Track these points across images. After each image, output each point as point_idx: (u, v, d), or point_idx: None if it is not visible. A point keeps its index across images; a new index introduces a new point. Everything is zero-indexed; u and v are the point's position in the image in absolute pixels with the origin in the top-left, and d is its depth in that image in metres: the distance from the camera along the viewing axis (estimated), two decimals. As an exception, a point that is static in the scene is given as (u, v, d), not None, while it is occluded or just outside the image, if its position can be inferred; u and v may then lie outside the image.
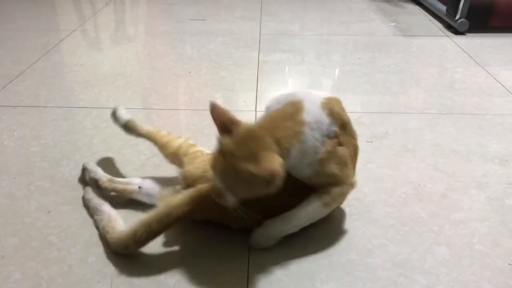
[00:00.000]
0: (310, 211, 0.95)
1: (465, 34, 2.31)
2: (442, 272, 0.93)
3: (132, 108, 1.57)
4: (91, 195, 1.09)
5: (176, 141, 1.12)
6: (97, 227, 1.02)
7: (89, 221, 1.05)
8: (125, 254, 0.94)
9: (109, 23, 2.54)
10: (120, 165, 1.25)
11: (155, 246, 0.96)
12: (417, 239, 1.01)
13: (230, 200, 0.87)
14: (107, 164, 1.25)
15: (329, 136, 0.91)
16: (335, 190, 0.95)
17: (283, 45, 2.17)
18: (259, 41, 2.19)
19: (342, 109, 0.98)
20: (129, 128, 1.20)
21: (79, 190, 1.15)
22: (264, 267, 0.94)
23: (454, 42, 2.21)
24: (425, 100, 1.65)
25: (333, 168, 0.93)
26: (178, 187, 1.01)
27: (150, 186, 1.10)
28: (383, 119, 1.51)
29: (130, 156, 1.29)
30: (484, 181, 1.21)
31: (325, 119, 0.91)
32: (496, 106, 1.60)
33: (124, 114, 1.22)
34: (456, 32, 2.32)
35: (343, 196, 0.98)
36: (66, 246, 0.98)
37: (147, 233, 0.91)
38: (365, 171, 1.23)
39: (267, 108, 0.97)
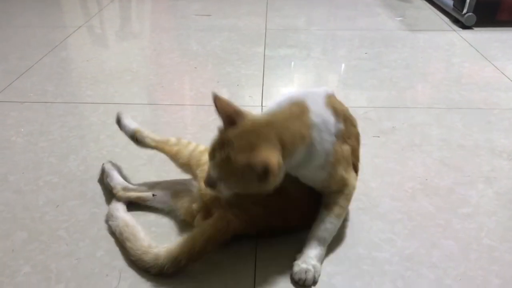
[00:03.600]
0: (328, 228, 0.94)
1: (472, 29, 2.30)
2: (449, 266, 0.93)
3: (138, 104, 1.58)
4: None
5: (186, 150, 1.06)
6: (113, 233, 1.00)
7: (97, 215, 1.06)
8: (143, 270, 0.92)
9: (115, 19, 2.54)
10: (127, 160, 1.26)
11: (163, 240, 0.96)
12: (425, 233, 1.01)
13: (224, 192, 0.86)
14: (114, 159, 1.25)
15: (337, 135, 0.90)
16: (342, 199, 0.95)
17: (289, 40, 2.16)
18: (264, 36, 2.18)
19: (340, 102, 0.97)
20: (136, 139, 1.13)
21: (86, 185, 1.16)
22: (271, 261, 0.94)
23: (461, 37, 2.19)
24: (432, 95, 1.65)
25: (342, 171, 0.93)
26: (195, 205, 0.98)
27: (163, 192, 1.08)
28: (390, 114, 1.51)
29: (137, 151, 1.29)
30: (492, 175, 1.20)
31: (331, 118, 0.89)
32: (504, 101, 1.59)
33: (131, 123, 1.16)
34: (463, 26, 2.31)
35: (349, 201, 0.97)
36: (74, 240, 0.99)
37: (175, 267, 0.88)
38: (372, 166, 1.23)
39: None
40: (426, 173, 1.21)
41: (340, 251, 0.97)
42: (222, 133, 0.83)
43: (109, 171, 1.14)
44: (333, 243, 0.98)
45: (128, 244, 0.94)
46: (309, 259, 0.90)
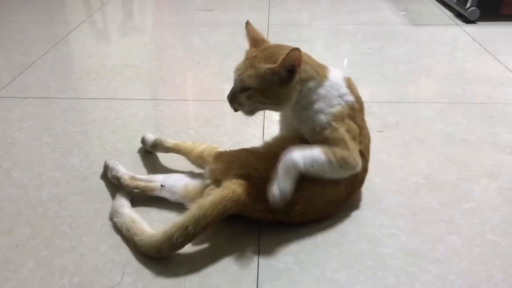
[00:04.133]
0: (315, 155, 0.93)
1: (475, 23, 2.29)
2: (453, 261, 0.93)
3: (141, 99, 1.58)
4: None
5: (200, 146, 1.14)
6: (119, 229, 0.99)
7: (101, 211, 1.06)
8: (156, 257, 0.92)
9: (117, 14, 2.54)
10: (131, 155, 1.26)
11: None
12: (428, 228, 1.01)
13: (244, 103, 0.96)
14: (117, 154, 1.25)
15: (347, 102, 0.99)
16: (338, 150, 0.94)
17: (291, 35, 2.16)
18: (267, 31, 2.18)
19: (357, 89, 1.05)
20: (156, 145, 1.22)
21: (89, 180, 1.16)
22: (274, 256, 0.94)
23: (465, 31, 2.18)
24: (435, 90, 1.64)
25: (344, 133, 0.96)
26: (207, 181, 1.00)
27: (172, 183, 1.07)
28: (393, 108, 1.50)
29: (139, 146, 1.30)
30: (496, 170, 1.20)
31: (345, 89, 1.00)
32: (508, 95, 1.59)
33: (151, 137, 1.25)
34: (467, 20, 2.30)
35: (344, 161, 0.94)
36: (78, 235, 0.99)
37: (183, 236, 0.89)
38: (375, 161, 1.22)
39: None
40: (430, 168, 1.21)
41: (343, 246, 0.97)
42: (247, 52, 0.98)
43: (113, 165, 1.14)
44: (336, 238, 0.98)
45: (137, 238, 0.94)
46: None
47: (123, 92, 1.63)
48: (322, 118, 0.97)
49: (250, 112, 0.99)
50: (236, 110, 0.99)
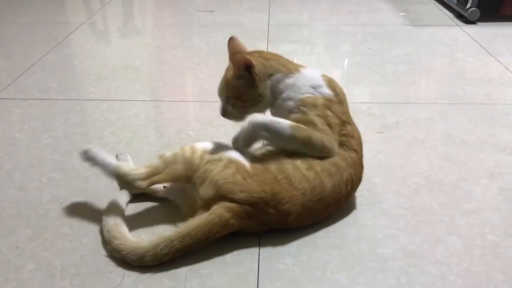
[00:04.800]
0: (281, 122, 0.99)
1: (476, 24, 2.29)
2: (453, 262, 0.93)
3: (141, 100, 1.58)
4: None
5: (176, 166, 0.99)
6: (100, 231, 0.99)
7: (101, 212, 1.06)
8: (133, 265, 0.91)
9: (118, 15, 2.54)
10: (131, 157, 1.26)
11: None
12: (428, 229, 1.01)
13: (233, 110, 1.07)
14: (118, 156, 1.26)
15: (321, 93, 1.03)
16: (305, 128, 0.97)
17: (292, 36, 2.16)
18: (267, 32, 2.18)
19: (340, 86, 1.08)
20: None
21: (90, 182, 1.16)
22: (274, 258, 0.94)
23: (465, 32, 2.18)
24: (435, 90, 1.64)
25: (315, 117, 0.99)
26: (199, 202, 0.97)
27: (173, 187, 1.06)
28: (393, 109, 1.50)
29: (140, 148, 1.30)
30: (496, 171, 1.20)
31: (321, 82, 1.05)
32: (508, 96, 1.59)
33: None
34: (467, 21, 2.30)
35: (311, 140, 0.97)
36: (78, 237, 0.99)
37: (168, 248, 0.89)
38: (375, 161, 1.23)
39: None
40: (430, 168, 1.21)
41: (343, 247, 0.97)
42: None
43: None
44: (336, 239, 0.98)
45: (116, 242, 0.93)
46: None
47: (123, 93, 1.63)
48: (291, 103, 1.03)
49: (240, 118, 1.08)
50: (234, 120, 1.10)
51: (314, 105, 1.01)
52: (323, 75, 1.08)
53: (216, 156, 0.99)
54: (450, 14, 2.44)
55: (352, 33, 2.22)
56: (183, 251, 0.91)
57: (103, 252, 0.95)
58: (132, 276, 0.90)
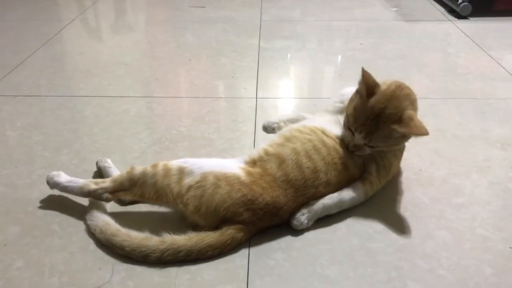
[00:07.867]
0: (355, 197, 1.03)
1: (468, 19, 2.29)
2: (443, 256, 0.93)
3: (132, 97, 1.57)
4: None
5: (148, 184, 0.97)
6: (92, 232, 0.97)
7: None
8: (137, 261, 0.91)
9: (109, 12, 2.53)
10: (121, 153, 1.25)
11: (158, 233, 0.96)
12: (419, 223, 1.01)
13: (367, 151, 1.04)
14: (108, 153, 1.25)
15: None
16: (375, 180, 1.05)
17: (284, 32, 2.15)
18: (259, 28, 2.17)
19: None
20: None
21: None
22: (265, 253, 0.94)
23: (457, 27, 2.19)
24: (427, 85, 1.64)
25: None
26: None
27: None
28: (384, 104, 1.50)
29: (130, 144, 1.29)
30: (486, 165, 1.20)
31: None
32: (499, 91, 1.59)
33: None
34: (459, 16, 2.30)
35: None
36: (67, 234, 0.99)
37: (173, 256, 0.90)
38: (366, 156, 1.23)
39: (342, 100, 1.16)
40: (421, 163, 1.21)
41: (333, 242, 0.97)
42: (365, 101, 1.00)
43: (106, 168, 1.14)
44: (327, 234, 0.98)
45: (117, 239, 0.93)
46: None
47: (114, 89, 1.62)
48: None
49: (366, 151, 1.05)
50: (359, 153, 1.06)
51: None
52: None
53: (197, 178, 0.95)
54: (442, 9, 2.44)
55: (344, 28, 2.22)
56: (187, 260, 0.91)
57: (92, 249, 0.95)
58: (121, 273, 0.89)
